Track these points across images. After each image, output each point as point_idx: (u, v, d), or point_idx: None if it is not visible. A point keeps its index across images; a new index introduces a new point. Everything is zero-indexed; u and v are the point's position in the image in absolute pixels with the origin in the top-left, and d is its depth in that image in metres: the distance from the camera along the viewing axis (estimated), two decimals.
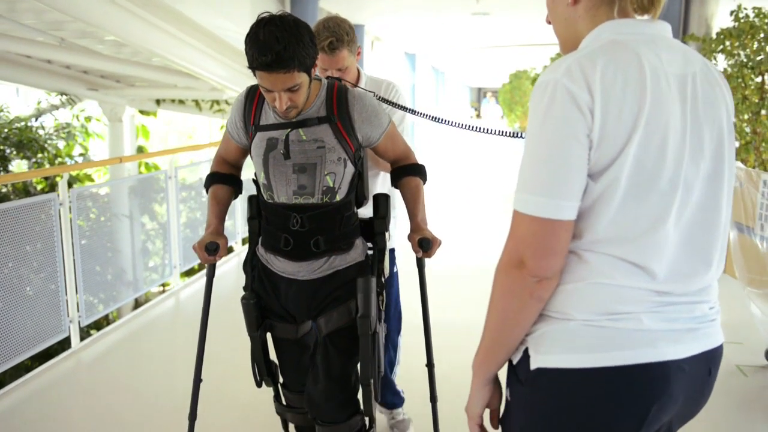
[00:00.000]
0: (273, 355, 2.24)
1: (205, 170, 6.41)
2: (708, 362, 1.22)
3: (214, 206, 2.16)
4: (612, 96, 1.11)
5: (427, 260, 2.24)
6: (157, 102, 11.28)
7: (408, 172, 2.18)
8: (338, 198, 2.02)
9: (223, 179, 2.20)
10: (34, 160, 9.18)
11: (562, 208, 1.13)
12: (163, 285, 6.63)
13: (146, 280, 5.25)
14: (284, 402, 2.31)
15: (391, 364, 2.79)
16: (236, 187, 2.24)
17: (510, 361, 1.27)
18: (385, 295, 2.14)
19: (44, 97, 10.81)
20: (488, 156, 16.32)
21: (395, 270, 2.73)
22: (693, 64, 1.21)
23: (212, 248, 2.09)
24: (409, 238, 2.15)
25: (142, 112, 11.95)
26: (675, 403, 1.19)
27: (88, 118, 11.17)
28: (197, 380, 2.22)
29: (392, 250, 2.65)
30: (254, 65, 1.81)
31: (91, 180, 10.91)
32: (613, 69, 1.12)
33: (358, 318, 2.00)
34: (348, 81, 2.27)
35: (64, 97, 10.25)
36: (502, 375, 1.31)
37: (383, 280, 2.14)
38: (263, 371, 2.18)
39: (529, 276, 1.14)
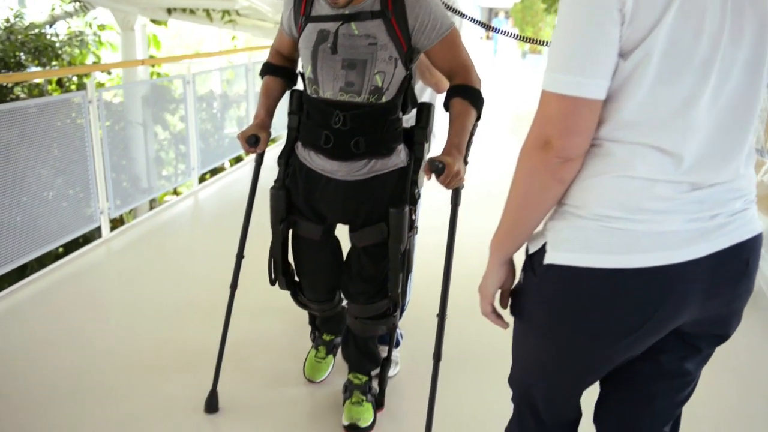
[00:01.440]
0: (291, 260, 2.32)
1: (216, 80, 6.57)
2: (743, 254, 1.20)
3: (264, 98, 2.17)
4: None
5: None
6: (168, 11, 11.25)
7: (459, 94, 1.98)
8: (384, 99, 1.95)
9: (277, 71, 2.18)
10: (48, 67, 9.29)
11: (591, 85, 1.09)
12: (176, 191, 6.87)
13: (160, 187, 5.40)
14: (300, 300, 2.39)
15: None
16: (289, 80, 2.21)
17: (527, 250, 1.29)
18: (416, 207, 2.15)
19: (57, 3, 10.80)
20: (504, 83, 16.33)
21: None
22: None
23: (252, 141, 2.13)
24: (427, 160, 1.93)
25: (153, 21, 11.94)
26: (692, 302, 1.19)
27: (102, 26, 11.19)
28: (240, 256, 2.36)
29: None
30: None
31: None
32: None
33: (389, 241, 2.06)
34: None
35: (77, 4, 10.25)
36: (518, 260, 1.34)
37: (416, 191, 2.11)
38: (279, 268, 2.25)
39: (554, 157, 1.13)
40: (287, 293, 2.35)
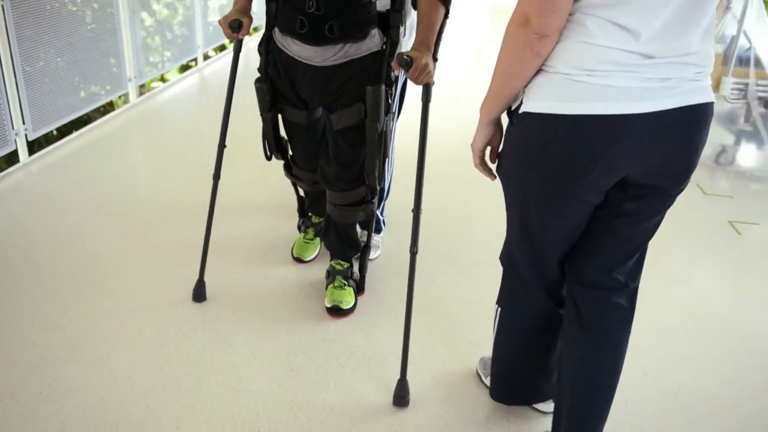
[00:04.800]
0: (283, 133, 2.44)
1: None
2: (685, 116, 1.35)
3: None
4: None
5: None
6: None
7: None
8: None
9: None
10: None
11: None
12: (162, 78, 7.14)
13: (147, 74, 5.40)
14: (293, 173, 2.54)
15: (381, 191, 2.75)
16: None
17: (510, 107, 1.49)
18: (393, 89, 2.19)
19: None
20: None
21: (405, 79, 2.56)
22: None
23: (235, 25, 2.19)
24: (396, 54, 1.99)
25: None
26: (638, 152, 1.36)
27: None
28: (221, 146, 2.39)
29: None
30: None
31: None
32: None
33: (366, 121, 2.13)
34: None
35: None
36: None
37: (393, 74, 2.15)
38: (273, 147, 2.38)
39: (531, 33, 1.29)
40: (276, 172, 2.50)
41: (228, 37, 2.23)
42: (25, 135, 3.64)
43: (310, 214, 2.80)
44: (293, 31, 2.07)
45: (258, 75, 2.27)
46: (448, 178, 3.50)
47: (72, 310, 2.39)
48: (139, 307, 2.43)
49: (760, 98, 4.04)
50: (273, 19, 2.17)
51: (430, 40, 2.02)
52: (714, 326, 2.54)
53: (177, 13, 6.06)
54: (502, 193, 1.64)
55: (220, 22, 2.21)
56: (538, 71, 1.38)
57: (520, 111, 1.42)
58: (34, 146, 3.79)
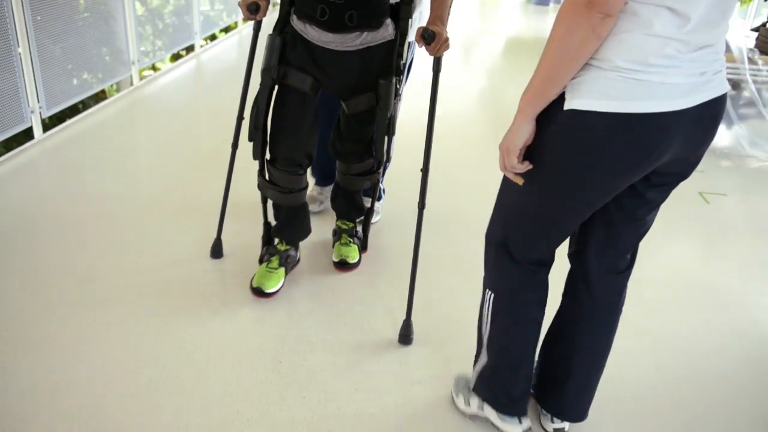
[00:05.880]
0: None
1: None
2: (715, 107, 1.38)
3: None
4: None
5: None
6: None
7: None
8: None
9: None
10: None
11: None
12: (154, 68, 7.28)
13: (139, 62, 5.37)
14: (267, 177, 2.44)
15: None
16: None
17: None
18: (401, 77, 2.32)
19: None
20: None
21: (411, 59, 2.81)
22: None
23: (253, 8, 2.29)
24: (418, 29, 2.15)
25: None
26: (676, 144, 1.38)
27: None
28: (240, 118, 2.53)
29: (411, 43, 2.60)
30: None
31: None
32: None
33: (377, 109, 2.28)
34: None
35: None
36: None
37: (401, 63, 2.29)
38: (261, 118, 2.26)
39: (596, 12, 1.23)
40: None
41: (247, 18, 2.35)
42: (40, 113, 3.84)
43: (276, 240, 2.60)
44: (313, 18, 2.15)
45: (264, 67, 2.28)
46: (434, 153, 3.71)
47: (100, 266, 2.61)
48: (162, 264, 2.65)
49: (728, 80, 4.32)
50: (288, 5, 2.25)
51: (445, 15, 2.18)
52: (685, 282, 2.82)
53: (168, 2, 6.24)
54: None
55: (239, 4, 2.32)
56: (587, 66, 1.34)
57: (566, 108, 1.37)
58: (47, 124, 3.99)
